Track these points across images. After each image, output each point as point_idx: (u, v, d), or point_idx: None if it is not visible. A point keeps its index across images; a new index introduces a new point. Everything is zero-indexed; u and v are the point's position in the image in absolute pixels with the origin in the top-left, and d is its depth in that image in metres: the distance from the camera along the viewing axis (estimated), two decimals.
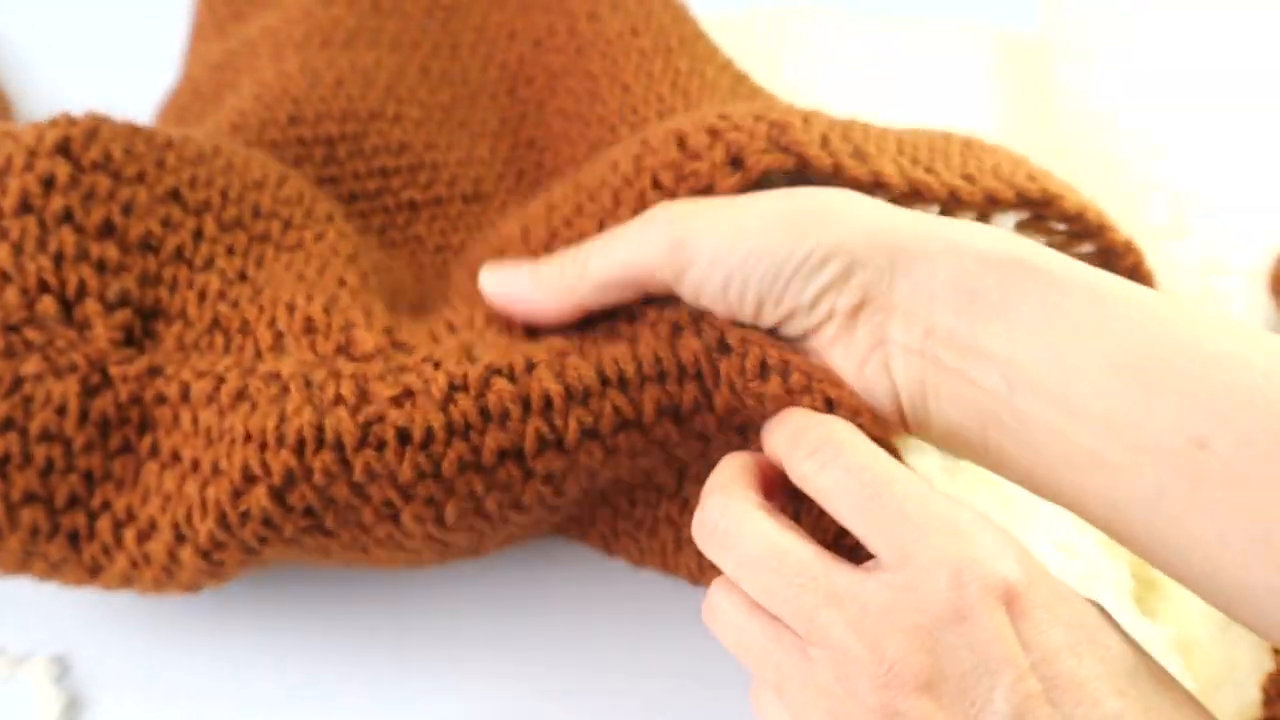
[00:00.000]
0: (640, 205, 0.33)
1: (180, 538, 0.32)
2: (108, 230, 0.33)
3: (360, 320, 0.33)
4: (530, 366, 0.31)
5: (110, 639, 0.40)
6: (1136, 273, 0.35)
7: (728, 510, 0.27)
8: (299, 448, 0.30)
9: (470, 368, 0.31)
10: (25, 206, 0.32)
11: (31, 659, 0.39)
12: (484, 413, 0.30)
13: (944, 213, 0.33)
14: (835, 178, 0.31)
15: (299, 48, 0.47)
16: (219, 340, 0.33)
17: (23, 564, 0.34)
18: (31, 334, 0.32)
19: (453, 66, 0.49)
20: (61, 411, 0.32)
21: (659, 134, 0.34)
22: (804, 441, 0.28)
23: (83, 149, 0.34)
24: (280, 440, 0.30)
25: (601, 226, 0.34)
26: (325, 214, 0.39)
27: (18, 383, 0.32)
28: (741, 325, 0.31)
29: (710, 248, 0.29)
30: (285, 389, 0.31)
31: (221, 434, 0.32)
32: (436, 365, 0.31)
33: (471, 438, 0.30)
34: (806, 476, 0.27)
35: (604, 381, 0.31)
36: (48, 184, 0.33)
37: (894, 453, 0.28)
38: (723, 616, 0.28)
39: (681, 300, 0.32)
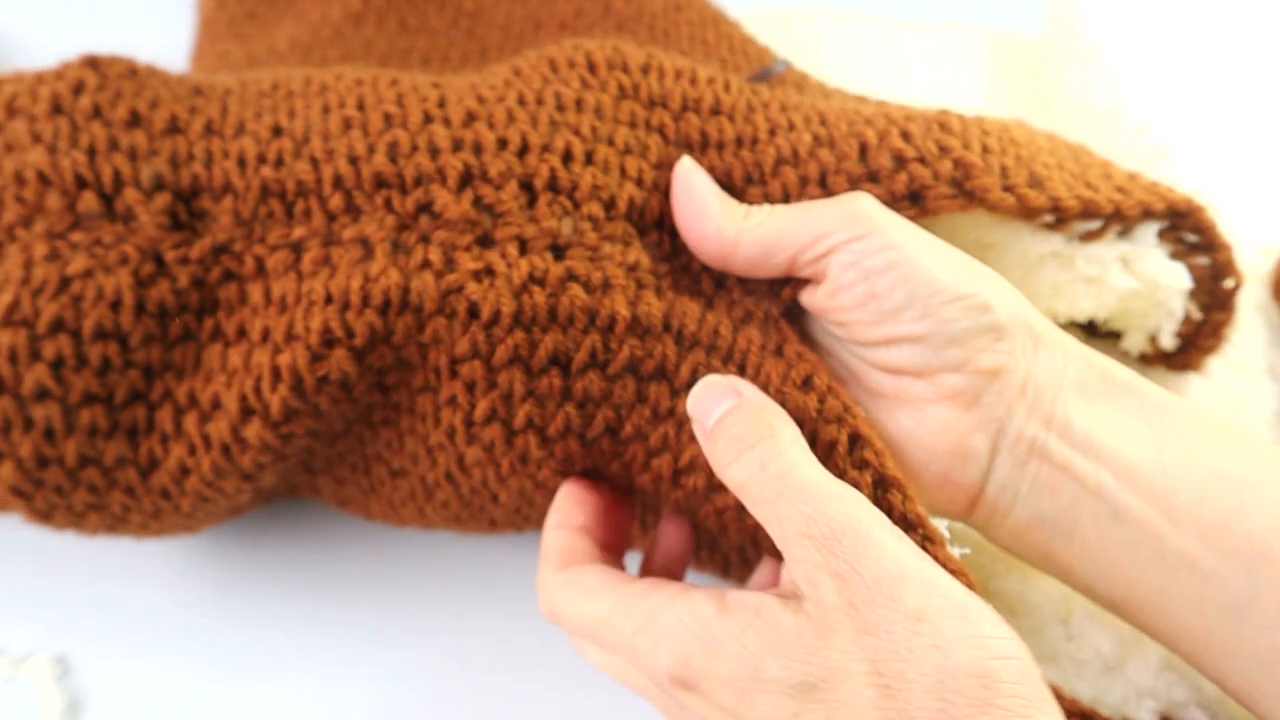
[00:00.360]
0: (801, 191, 0.32)
1: (247, 412, 0.32)
2: (134, 120, 0.34)
3: (434, 172, 0.32)
4: (607, 285, 0.31)
5: (110, 639, 0.39)
6: (1231, 298, 0.37)
7: (544, 592, 0.30)
8: (383, 308, 0.30)
9: (553, 266, 0.31)
10: (56, 109, 0.33)
11: (32, 659, 0.39)
12: (552, 312, 0.31)
13: (1102, 228, 0.34)
14: (1016, 211, 0.32)
15: None
16: (277, 207, 0.33)
17: (71, 480, 0.33)
18: (77, 236, 0.32)
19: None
20: (116, 305, 0.32)
21: (840, 124, 0.33)
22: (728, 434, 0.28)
23: (109, 64, 0.35)
24: (365, 300, 0.30)
25: (746, 186, 0.33)
26: (340, 69, 0.38)
27: (65, 283, 0.32)
28: (865, 339, 0.30)
29: (893, 230, 0.29)
30: (370, 252, 0.31)
31: (299, 298, 0.32)
32: (523, 248, 0.31)
33: (533, 331, 0.31)
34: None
35: (666, 327, 0.31)
36: (77, 89, 0.34)
37: (912, 494, 0.28)
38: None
39: (766, 298, 0.32)
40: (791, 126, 0.33)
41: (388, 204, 0.32)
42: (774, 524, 0.26)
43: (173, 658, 0.39)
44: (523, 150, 0.32)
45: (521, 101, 0.33)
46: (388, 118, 0.33)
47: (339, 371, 0.31)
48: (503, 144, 0.32)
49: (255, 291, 0.32)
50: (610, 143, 0.33)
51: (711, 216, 0.31)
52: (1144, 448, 0.28)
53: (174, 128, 0.34)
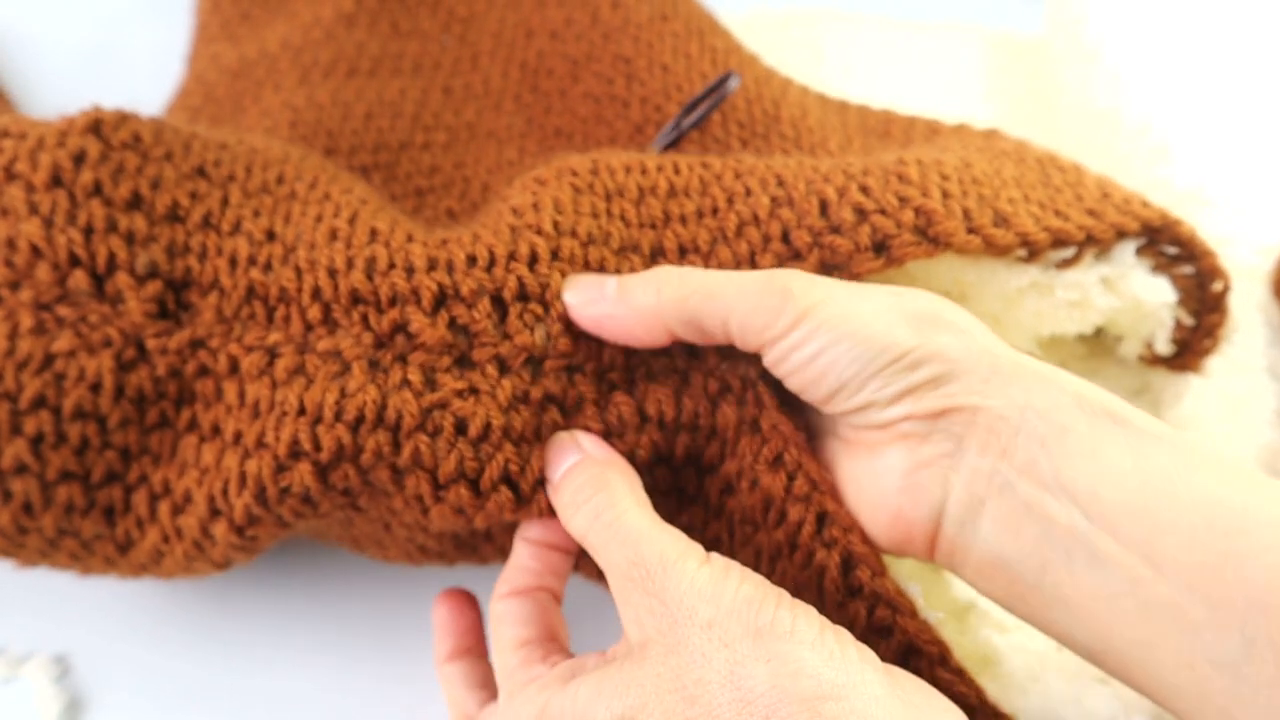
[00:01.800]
0: (764, 247, 0.32)
1: (215, 512, 0.32)
2: (136, 203, 0.33)
3: (408, 293, 0.32)
4: (581, 403, 0.31)
5: (110, 639, 0.39)
6: (1222, 300, 0.36)
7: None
8: (355, 424, 0.30)
9: (532, 388, 0.31)
10: (56, 180, 0.33)
11: (32, 659, 0.39)
12: (537, 431, 0.31)
13: (1077, 254, 0.33)
14: (984, 251, 0.32)
15: (326, 74, 0.49)
16: (259, 310, 0.33)
17: (51, 545, 0.33)
18: (64, 311, 0.32)
19: (474, 79, 0.51)
20: (96, 388, 0.32)
21: (798, 184, 0.33)
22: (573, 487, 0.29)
23: (113, 130, 0.34)
24: (339, 414, 0.30)
25: (713, 246, 0.33)
26: (350, 179, 0.39)
27: (49, 360, 0.31)
28: (795, 411, 0.31)
29: (819, 318, 0.28)
30: (347, 368, 0.31)
31: (271, 406, 0.31)
32: (503, 367, 0.31)
33: (521, 447, 0.31)
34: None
35: (644, 419, 0.32)
36: (78, 160, 0.33)
37: (880, 567, 0.29)
38: None
39: (742, 363, 0.32)
40: (749, 192, 0.33)
41: (364, 320, 0.32)
42: (608, 569, 0.28)
43: (173, 658, 0.39)
44: (490, 264, 0.32)
45: (485, 186, 0.34)
46: (373, 233, 0.33)
47: (301, 485, 0.30)
48: (472, 260, 0.32)
49: (230, 390, 0.32)
50: (573, 234, 0.33)
51: (619, 315, 0.31)
52: (1124, 486, 0.25)
53: (174, 215, 0.34)
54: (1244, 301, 0.45)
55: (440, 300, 0.31)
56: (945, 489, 0.28)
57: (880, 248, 0.31)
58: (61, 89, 0.57)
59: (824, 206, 0.32)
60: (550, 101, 0.49)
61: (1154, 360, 0.39)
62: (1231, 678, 0.23)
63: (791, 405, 0.32)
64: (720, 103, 0.40)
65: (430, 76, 0.50)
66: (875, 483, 0.29)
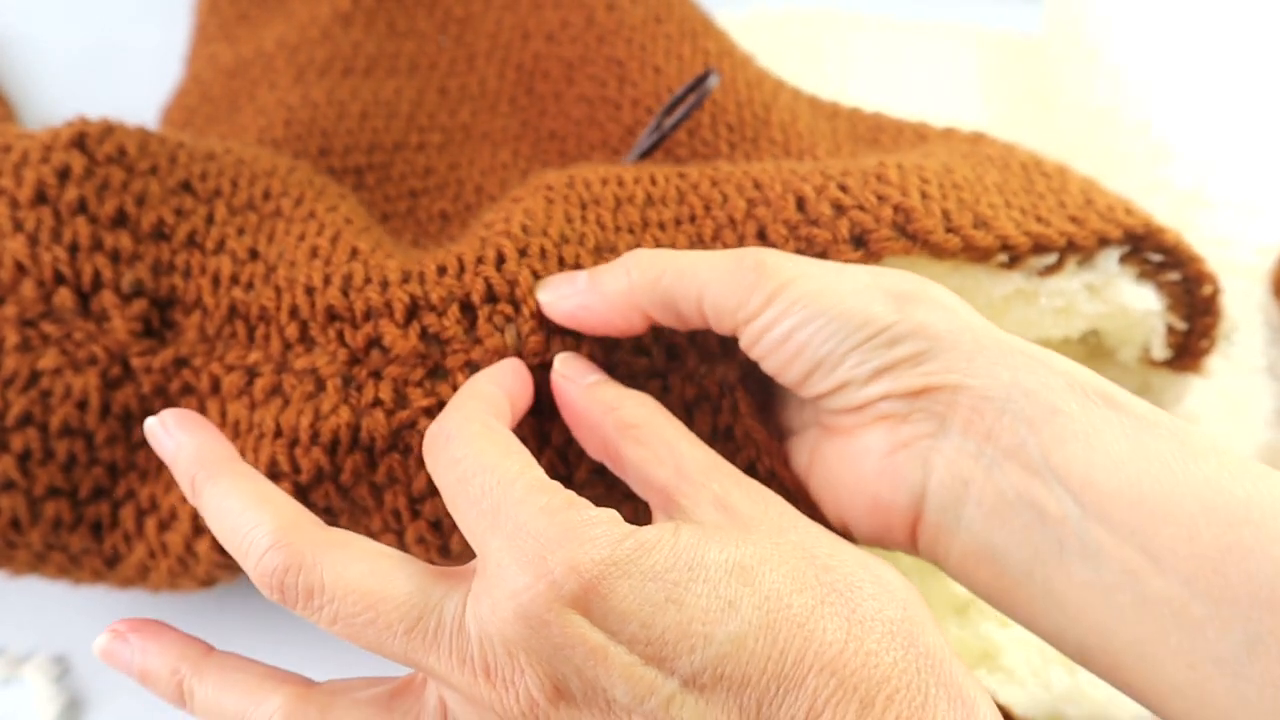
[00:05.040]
0: (735, 237, 0.32)
1: (199, 529, 0.32)
2: (121, 220, 0.33)
3: (382, 306, 0.31)
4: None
5: None
6: (1213, 303, 0.36)
7: (460, 418, 0.27)
8: (332, 447, 0.30)
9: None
10: (41, 197, 0.33)
11: (31, 659, 0.39)
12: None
13: (1059, 261, 0.33)
14: (962, 252, 0.31)
15: (322, 73, 0.49)
16: (240, 329, 0.33)
17: (40, 559, 0.34)
18: (49, 328, 0.32)
19: (470, 80, 0.50)
20: (82, 406, 0.32)
21: (774, 185, 0.33)
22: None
23: (97, 144, 0.34)
24: (314, 438, 0.30)
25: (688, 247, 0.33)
26: (338, 194, 0.39)
27: (35, 377, 0.31)
28: (774, 409, 0.31)
29: (793, 294, 0.27)
30: (321, 386, 0.31)
31: (250, 427, 0.31)
32: (472, 372, 0.31)
33: None
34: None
35: None
36: (63, 175, 0.33)
37: None
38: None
39: (720, 365, 0.31)
40: (725, 199, 0.33)
41: (340, 336, 0.31)
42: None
43: None
44: (460, 271, 0.32)
45: (478, 189, 0.34)
46: (353, 251, 0.33)
47: None
48: (442, 270, 0.32)
49: (213, 409, 0.32)
50: (545, 234, 0.32)
51: (590, 303, 0.30)
52: (1121, 472, 0.24)
53: (159, 233, 0.34)
54: (1244, 301, 0.45)
55: (412, 311, 0.31)
56: (926, 470, 0.26)
57: (858, 241, 0.31)
58: (61, 90, 0.57)
59: (801, 202, 0.32)
60: (545, 104, 0.49)
61: (1154, 363, 0.39)
62: (1234, 678, 0.22)
63: (768, 410, 0.31)
64: (701, 101, 0.40)
65: (426, 77, 0.50)
66: (853, 468, 0.28)
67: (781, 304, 0.27)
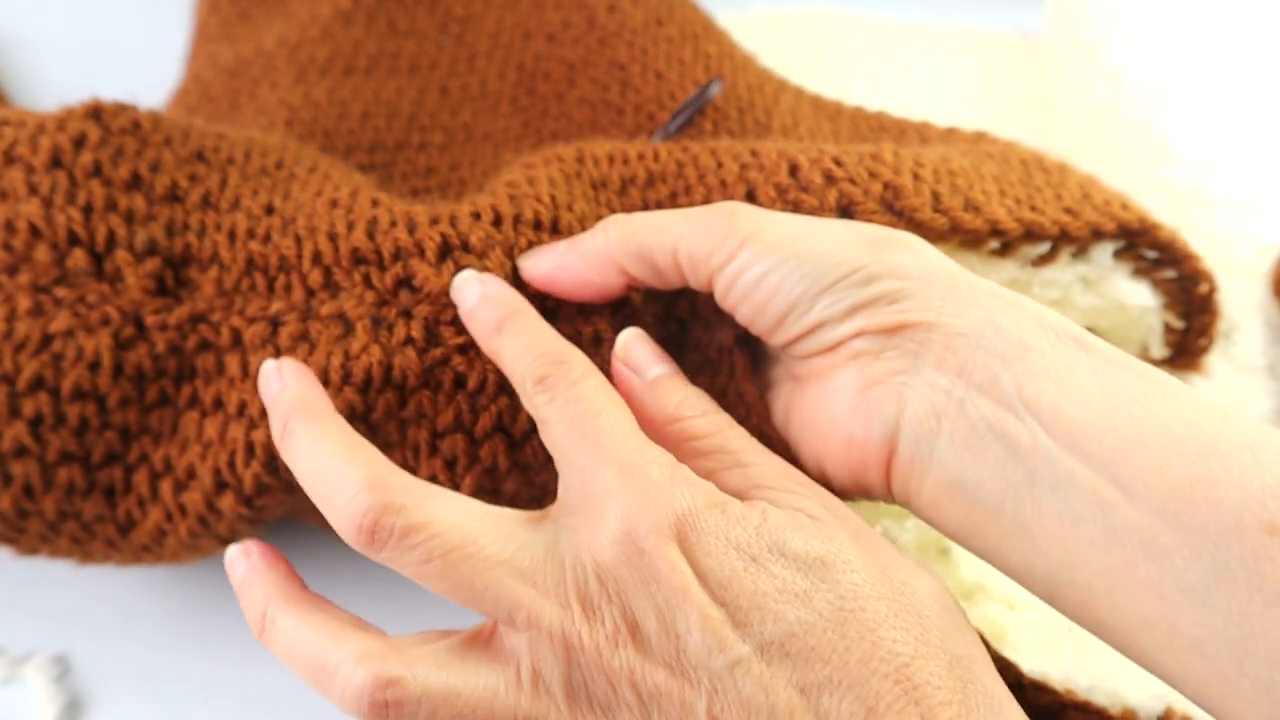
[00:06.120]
0: (725, 199, 0.33)
1: (221, 485, 0.32)
2: (135, 183, 0.34)
3: (412, 246, 0.32)
4: (598, 339, 0.31)
5: (110, 639, 0.39)
6: (1210, 301, 0.36)
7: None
8: (364, 385, 0.30)
9: None
10: (56, 162, 0.33)
11: (32, 659, 0.39)
12: None
13: (1052, 250, 0.33)
14: (951, 233, 0.32)
15: (323, 72, 0.49)
16: (260, 281, 0.33)
17: (52, 529, 0.33)
18: (61, 292, 0.32)
19: (471, 80, 0.51)
20: (94, 367, 0.32)
21: (770, 153, 0.34)
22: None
23: (112, 117, 0.35)
24: (346, 378, 0.30)
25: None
26: (348, 169, 0.39)
27: (46, 341, 0.32)
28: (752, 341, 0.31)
29: (765, 240, 0.28)
30: (350, 328, 0.31)
31: None
32: None
33: (516, 397, 0.30)
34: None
35: None
36: (78, 142, 0.33)
37: None
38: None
39: (718, 330, 0.32)
40: (720, 165, 0.34)
41: (366, 280, 0.32)
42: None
43: (173, 658, 0.39)
44: (497, 220, 0.32)
45: (480, 187, 0.33)
46: (374, 202, 0.34)
47: None
48: (476, 216, 0.32)
49: (232, 364, 0.32)
50: (570, 209, 0.33)
51: (569, 263, 0.31)
52: (1091, 406, 0.24)
53: (173, 195, 0.34)
54: (1244, 301, 0.45)
55: (445, 250, 0.31)
56: (899, 405, 0.27)
57: (845, 212, 0.31)
58: (61, 89, 0.57)
59: (794, 169, 0.33)
60: (546, 105, 0.49)
61: (1154, 362, 0.39)
62: (1202, 606, 0.22)
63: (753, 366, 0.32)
64: (704, 107, 0.40)
65: (427, 76, 0.50)
66: (827, 409, 0.28)
67: (754, 248, 0.28)
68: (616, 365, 0.30)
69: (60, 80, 0.57)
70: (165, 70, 0.55)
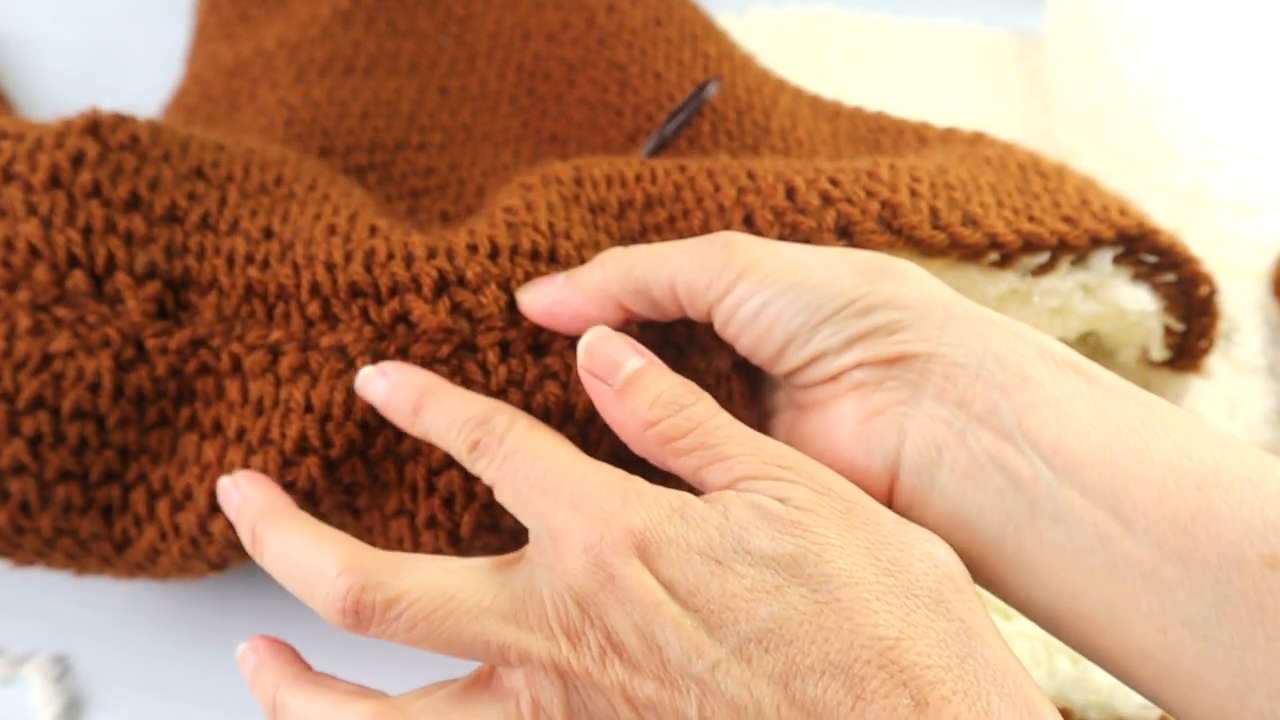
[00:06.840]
0: (721, 225, 0.33)
1: (216, 507, 0.32)
2: (134, 203, 0.33)
3: (409, 281, 0.32)
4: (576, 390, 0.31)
5: (110, 639, 0.39)
6: (1210, 303, 0.36)
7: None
8: (364, 422, 0.31)
9: (531, 366, 0.31)
10: (55, 181, 0.33)
11: (31, 659, 0.39)
12: (527, 411, 0.31)
13: (1052, 260, 0.33)
14: (950, 249, 0.32)
15: (322, 72, 0.49)
16: (259, 308, 0.33)
17: (48, 545, 0.34)
18: (61, 312, 0.32)
19: (470, 80, 0.51)
20: (94, 388, 0.32)
21: (767, 175, 0.33)
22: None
23: (110, 131, 0.34)
24: (348, 414, 0.31)
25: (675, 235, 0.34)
26: (349, 183, 0.39)
27: (47, 360, 0.32)
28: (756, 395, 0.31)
29: (762, 271, 0.28)
30: (351, 364, 0.31)
31: (276, 403, 0.32)
32: (505, 352, 0.31)
33: None
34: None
35: None
36: (77, 160, 0.33)
37: None
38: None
39: (716, 357, 0.31)
40: (717, 189, 0.34)
41: (364, 313, 0.32)
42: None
43: (173, 658, 0.39)
44: (493, 253, 0.32)
45: (479, 188, 0.34)
46: (372, 229, 0.34)
47: (307, 480, 0.31)
48: (473, 249, 0.32)
49: (232, 389, 0.32)
50: (568, 236, 0.33)
51: (566, 298, 0.31)
52: (1092, 438, 0.24)
53: (173, 216, 0.34)
54: (1244, 302, 0.45)
55: (442, 286, 0.31)
56: (900, 436, 0.27)
57: (843, 232, 0.31)
58: (61, 89, 0.57)
59: (790, 191, 0.32)
60: (546, 106, 0.49)
61: (1153, 364, 0.39)
62: (1204, 640, 0.22)
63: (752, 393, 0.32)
64: (701, 107, 0.40)
65: (427, 76, 0.50)
66: (829, 439, 0.28)
67: (752, 280, 0.28)
68: (583, 375, 0.29)
69: (60, 80, 0.58)
70: (165, 70, 0.55)
